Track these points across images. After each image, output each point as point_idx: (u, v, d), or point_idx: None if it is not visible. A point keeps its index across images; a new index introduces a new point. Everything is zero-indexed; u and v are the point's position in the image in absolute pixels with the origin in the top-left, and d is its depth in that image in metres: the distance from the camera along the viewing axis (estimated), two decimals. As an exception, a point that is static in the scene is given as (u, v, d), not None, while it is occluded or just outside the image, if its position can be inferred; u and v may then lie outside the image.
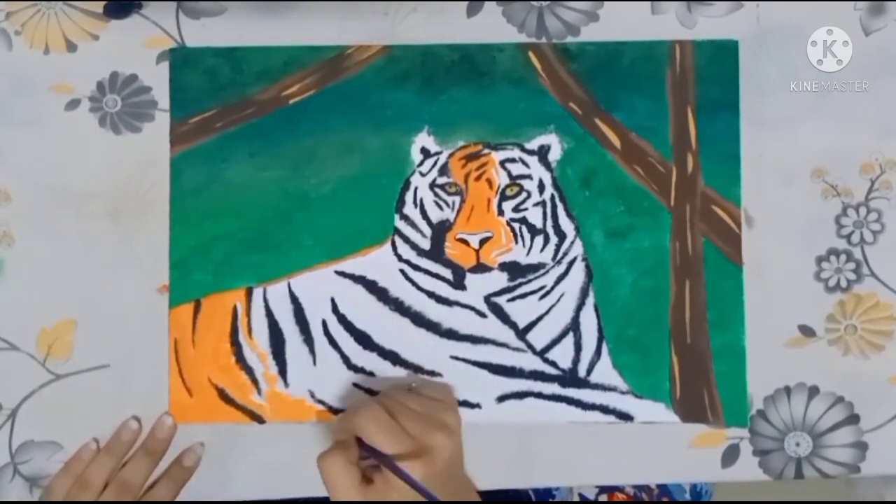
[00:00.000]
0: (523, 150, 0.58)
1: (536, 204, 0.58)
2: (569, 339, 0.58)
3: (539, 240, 0.58)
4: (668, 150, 0.58)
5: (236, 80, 0.59)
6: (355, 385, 0.57)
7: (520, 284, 0.58)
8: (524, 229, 0.58)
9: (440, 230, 0.58)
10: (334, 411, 0.57)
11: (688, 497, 0.68)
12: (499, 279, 0.58)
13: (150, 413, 0.58)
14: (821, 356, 0.57)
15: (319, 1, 0.59)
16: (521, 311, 0.58)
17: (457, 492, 0.53)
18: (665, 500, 0.67)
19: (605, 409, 0.57)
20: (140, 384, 0.58)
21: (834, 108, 0.58)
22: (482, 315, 0.58)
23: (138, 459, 0.56)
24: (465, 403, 0.57)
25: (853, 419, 0.57)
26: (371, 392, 0.57)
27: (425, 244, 0.58)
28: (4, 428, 0.58)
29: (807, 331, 0.58)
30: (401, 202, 0.58)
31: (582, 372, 0.57)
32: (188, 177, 0.59)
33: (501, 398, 0.57)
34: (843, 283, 0.58)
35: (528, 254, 0.58)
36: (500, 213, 0.58)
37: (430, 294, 0.58)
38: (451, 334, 0.58)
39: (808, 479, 0.57)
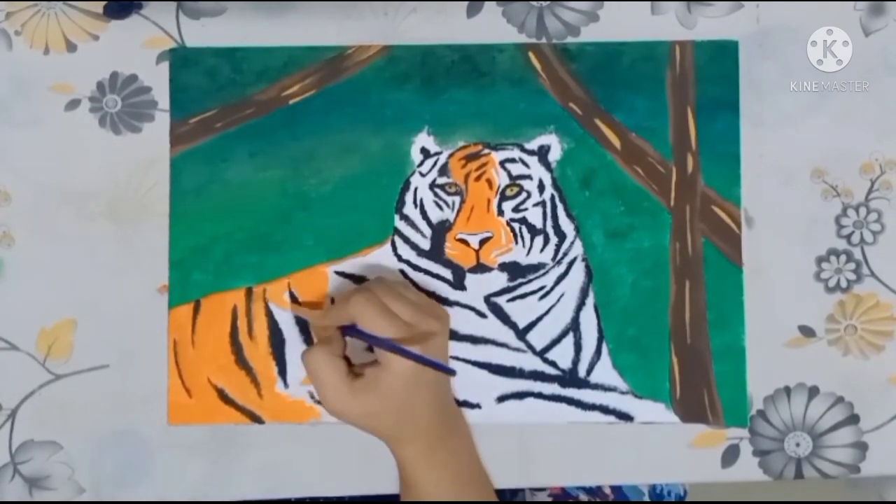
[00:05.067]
0: (523, 150, 0.58)
1: (536, 204, 0.58)
2: (569, 340, 0.58)
3: (539, 240, 0.58)
4: (668, 150, 0.58)
5: (236, 80, 0.59)
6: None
7: (520, 284, 0.58)
8: (524, 229, 0.58)
9: (440, 230, 0.58)
10: (334, 411, 0.57)
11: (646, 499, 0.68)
12: (499, 279, 0.58)
13: (150, 413, 0.58)
14: (821, 356, 0.57)
15: (319, 1, 0.59)
16: (521, 312, 0.58)
17: (442, 398, 0.54)
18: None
19: (605, 410, 0.57)
20: (140, 384, 0.58)
21: (834, 108, 0.58)
22: (482, 315, 0.58)
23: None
24: (465, 403, 0.57)
25: (853, 419, 0.57)
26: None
27: (425, 244, 0.58)
28: (4, 428, 0.58)
29: (807, 331, 0.58)
30: (401, 202, 0.58)
31: (582, 372, 0.57)
32: (188, 177, 0.59)
33: (501, 398, 0.57)
34: (843, 284, 0.58)
35: (527, 254, 0.58)
36: (500, 213, 0.58)
37: (430, 294, 0.58)
38: (451, 334, 0.58)
39: (808, 479, 0.57)
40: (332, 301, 0.58)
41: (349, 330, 0.51)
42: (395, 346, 0.49)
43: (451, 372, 0.50)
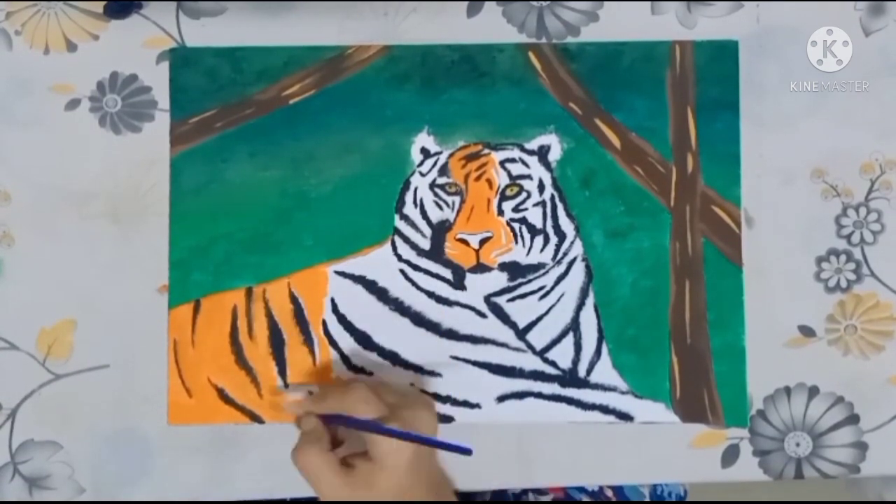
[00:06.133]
0: (523, 150, 0.58)
1: (536, 204, 0.58)
2: (569, 339, 0.58)
3: (539, 240, 0.58)
4: (668, 150, 0.58)
5: (236, 80, 0.59)
6: (355, 385, 0.57)
7: (520, 284, 0.58)
8: (524, 229, 0.58)
9: (440, 230, 0.58)
10: (334, 411, 0.57)
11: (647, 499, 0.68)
12: (499, 279, 0.58)
13: (150, 413, 0.58)
14: (821, 356, 0.58)
15: (319, 1, 0.59)
16: (521, 311, 0.58)
17: (437, 480, 0.54)
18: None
19: (605, 409, 0.57)
20: (140, 384, 0.58)
21: (834, 108, 0.58)
22: (482, 315, 0.58)
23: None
24: (465, 403, 0.57)
25: (853, 419, 0.57)
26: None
27: (425, 244, 0.58)
28: (4, 428, 0.58)
29: (807, 331, 0.58)
30: (401, 202, 0.58)
31: (582, 372, 0.57)
32: (188, 177, 0.59)
33: (501, 398, 0.57)
34: (843, 284, 0.58)
35: (527, 254, 0.58)
36: (500, 213, 0.58)
37: (430, 294, 0.58)
38: (451, 334, 0.58)
39: (808, 479, 0.57)
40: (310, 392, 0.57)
41: (334, 419, 0.52)
42: (386, 429, 0.49)
43: (467, 451, 0.49)
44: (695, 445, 0.57)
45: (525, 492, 0.65)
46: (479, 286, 0.58)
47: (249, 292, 0.58)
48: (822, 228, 0.58)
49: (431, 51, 0.59)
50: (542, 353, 0.58)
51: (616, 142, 0.58)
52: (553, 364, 0.57)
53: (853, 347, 0.58)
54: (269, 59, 0.59)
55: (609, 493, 0.66)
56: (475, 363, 0.58)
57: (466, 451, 0.49)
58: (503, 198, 0.58)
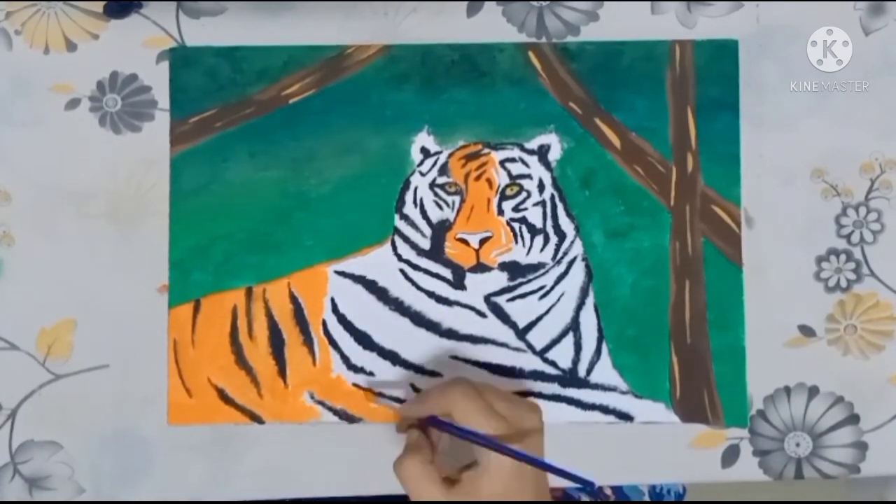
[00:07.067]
0: (523, 149, 0.58)
1: (536, 204, 0.58)
2: (569, 339, 0.58)
3: (539, 239, 0.58)
4: (668, 150, 0.58)
5: (236, 80, 0.59)
6: (355, 385, 0.57)
7: (520, 284, 0.58)
8: (524, 229, 0.58)
9: (440, 230, 0.58)
10: (334, 412, 0.57)
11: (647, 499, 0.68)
12: (499, 279, 0.58)
13: (150, 413, 0.58)
14: (821, 356, 0.58)
15: (319, 1, 0.60)
16: (521, 311, 0.58)
17: (542, 483, 0.50)
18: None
19: (605, 409, 0.57)
20: (140, 384, 0.58)
21: (834, 108, 0.58)
22: (482, 315, 0.58)
23: None
24: (465, 403, 0.57)
25: (853, 419, 0.57)
26: (370, 392, 0.57)
27: (425, 244, 0.58)
28: (4, 428, 0.58)
29: (807, 331, 0.58)
30: (401, 202, 0.58)
31: (582, 372, 0.57)
32: (188, 177, 0.59)
33: (501, 398, 0.57)
34: (843, 283, 0.58)
35: (527, 253, 0.58)
36: (500, 212, 0.58)
37: (430, 294, 0.58)
38: (451, 334, 0.58)
39: (808, 479, 0.57)
40: (414, 389, 0.56)
41: (436, 422, 0.49)
42: (498, 444, 0.46)
43: (591, 484, 0.45)
44: (695, 445, 0.57)
45: None
46: (479, 286, 0.58)
47: (249, 292, 0.58)
48: (822, 228, 0.58)
49: (431, 50, 0.59)
50: (542, 353, 0.58)
51: (616, 141, 0.58)
52: (553, 364, 0.57)
53: (853, 347, 0.58)
54: (269, 59, 0.59)
55: (608, 493, 0.66)
56: (475, 363, 0.58)
57: (590, 485, 0.46)
58: (503, 197, 0.58)
